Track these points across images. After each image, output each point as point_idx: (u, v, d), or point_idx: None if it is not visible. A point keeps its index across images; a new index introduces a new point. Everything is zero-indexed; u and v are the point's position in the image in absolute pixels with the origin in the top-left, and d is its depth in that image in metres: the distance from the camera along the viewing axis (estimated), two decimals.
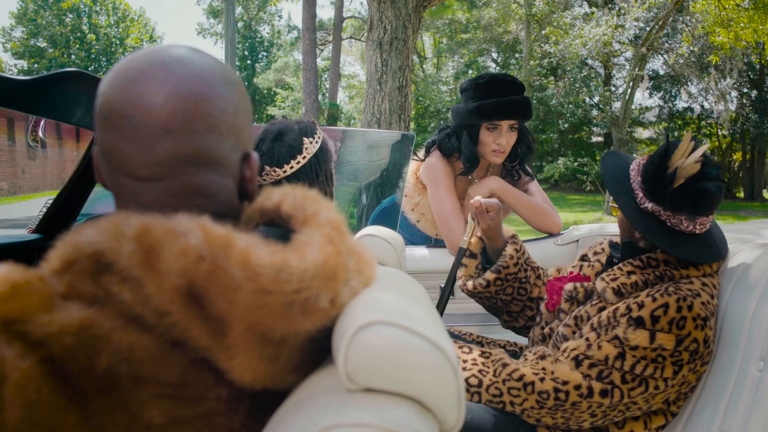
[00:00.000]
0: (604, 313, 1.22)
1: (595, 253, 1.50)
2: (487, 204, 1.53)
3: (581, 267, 1.49)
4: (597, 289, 1.30)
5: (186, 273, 0.51)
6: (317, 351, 0.60)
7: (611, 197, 1.35)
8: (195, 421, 0.55)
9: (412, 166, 2.25)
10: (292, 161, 1.26)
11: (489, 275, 1.55)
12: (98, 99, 0.61)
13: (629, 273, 1.27)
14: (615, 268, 1.31)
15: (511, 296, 1.57)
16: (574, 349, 1.21)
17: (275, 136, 1.29)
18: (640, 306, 1.16)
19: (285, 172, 1.26)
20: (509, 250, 1.55)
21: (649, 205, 1.25)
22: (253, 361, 0.54)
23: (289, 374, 0.58)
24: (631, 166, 1.32)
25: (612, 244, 1.46)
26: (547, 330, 1.44)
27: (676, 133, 17.93)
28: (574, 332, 1.31)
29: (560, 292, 1.42)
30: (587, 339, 1.21)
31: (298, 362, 0.59)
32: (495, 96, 1.93)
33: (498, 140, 1.96)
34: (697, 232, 1.25)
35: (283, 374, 0.57)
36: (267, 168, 1.27)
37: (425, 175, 2.12)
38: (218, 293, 0.51)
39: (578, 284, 1.38)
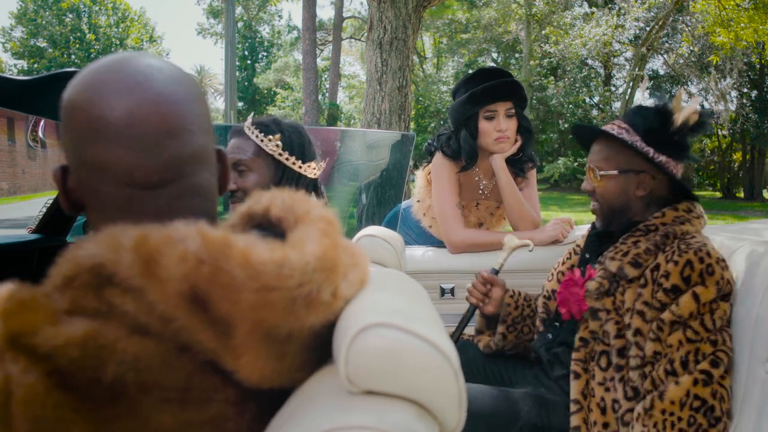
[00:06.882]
0: (644, 308, 1.19)
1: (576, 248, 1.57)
2: (491, 279, 1.62)
3: (566, 260, 1.55)
4: (611, 270, 1.27)
5: (188, 277, 0.51)
6: (321, 348, 0.61)
7: (598, 171, 1.35)
8: (203, 426, 0.55)
9: (423, 171, 2.26)
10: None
11: (500, 328, 1.59)
12: (76, 113, 0.60)
13: (635, 243, 1.28)
14: (618, 244, 1.30)
15: (531, 333, 1.59)
16: (654, 370, 1.16)
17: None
18: (667, 276, 1.17)
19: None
20: (505, 299, 1.60)
21: (662, 158, 1.31)
22: (260, 360, 0.54)
23: (296, 372, 0.59)
24: (615, 132, 1.33)
25: (592, 225, 1.49)
26: (578, 342, 1.34)
27: None
28: (617, 322, 1.25)
29: (582, 298, 1.35)
30: (655, 352, 1.17)
31: (304, 360, 0.59)
32: (484, 82, 1.95)
33: (498, 127, 1.97)
34: (678, 176, 1.35)
35: (289, 372, 0.58)
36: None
37: (432, 174, 2.13)
38: (222, 295, 0.51)
39: (598, 279, 1.31)
